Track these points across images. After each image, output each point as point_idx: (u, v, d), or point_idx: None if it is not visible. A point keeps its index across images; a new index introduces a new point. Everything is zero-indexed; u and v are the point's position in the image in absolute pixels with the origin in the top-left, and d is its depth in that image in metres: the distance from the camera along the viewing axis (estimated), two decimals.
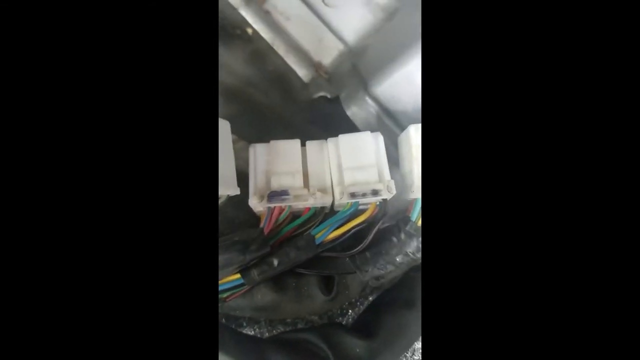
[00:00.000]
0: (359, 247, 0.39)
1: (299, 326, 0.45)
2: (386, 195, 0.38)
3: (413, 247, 0.38)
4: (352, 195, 0.38)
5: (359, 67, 0.45)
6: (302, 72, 0.49)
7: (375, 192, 0.38)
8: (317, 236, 0.39)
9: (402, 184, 0.40)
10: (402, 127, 0.43)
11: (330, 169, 0.40)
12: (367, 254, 0.39)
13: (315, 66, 0.50)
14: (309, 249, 0.38)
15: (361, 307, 0.42)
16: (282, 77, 0.49)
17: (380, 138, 0.40)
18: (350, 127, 0.45)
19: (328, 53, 0.50)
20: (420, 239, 0.38)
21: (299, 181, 0.39)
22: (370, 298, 0.42)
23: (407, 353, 0.43)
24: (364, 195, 0.38)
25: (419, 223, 0.38)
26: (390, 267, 0.39)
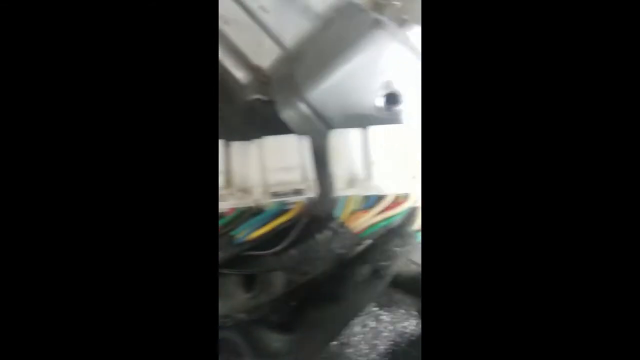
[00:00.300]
0: (282, 244, 0.40)
1: (227, 324, 0.45)
2: (309, 195, 0.39)
3: (337, 243, 0.40)
4: (275, 194, 0.39)
5: (295, 72, 0.47)
6: (240, 75, 0.50)
7: (297, 192, 0.39)
8: (238, 236, 0.40)
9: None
10: None
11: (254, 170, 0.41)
12: (292, 251, 0.40)
13: (254, 69, 0.51)
14: (227, 249, 0.39)
15: (287, 303, 0.43)
16: (220, 79, 0.50)
17: (306, 141, 0.41)
18: (283, 129, 0.46)
19: (267, 57, 0.51)
20: (344, 234, 0.40)
21: (221, 181, 0.40)
22: (297, 294, 0.43)
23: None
24: (285, 194, 0.39)
25: (341, 220, 0.40)
26: (316, 263, 0.41)
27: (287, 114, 0.46)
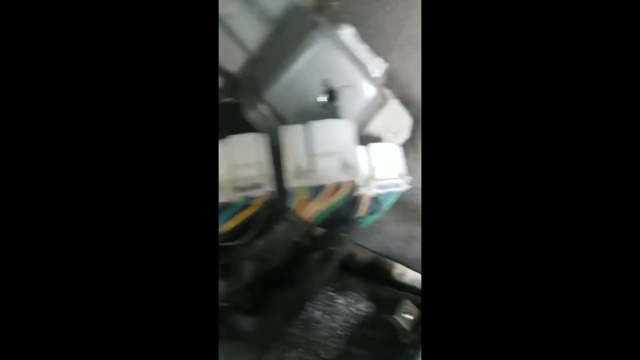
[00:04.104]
0: (250, 235, 0.44)
1: None
2: (267, 188, 0.43)
3: (294, 231, 0.44)
4: (239, 189, 0.43)
5: (255, 74, 0.51)
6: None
7: (256, 186, 0.43)
8: None
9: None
10: None
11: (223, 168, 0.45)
12: (258, 241, 0.45)
13: (224, 75, 0.55)
14: None
15: (255, 288, 0.47)
16: None
17: (262, 138, 0.45)
18: (250, 129, 0.50)
19: (235, 62, 0.54)
20: (297, 222, 0.44)
21: None
22: (263, 280, 0.47)
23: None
24: (246, 189, 0.43)
25: (294, 209, 0.44)
26: (278, 251, 0.45)
27: (251, 115, 0.50)
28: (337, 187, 0.44)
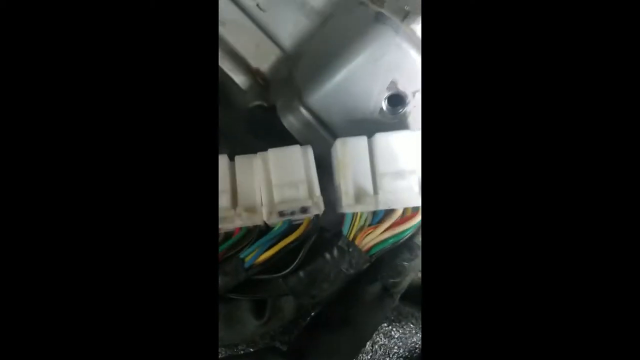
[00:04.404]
0: (291, 267, 0.37)
1: (240, 351, 0.43)
2: (316, 212, 0.36)
3: (346, 263, 0.37)
4: (281, 214, 0.36)
5: (294, 74, 0.43)
6: (240, 79, 0.47)
7: (304, 210, 0.36)
8: (247, 259, 0.37)
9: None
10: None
11: (260, 186, 0.38)
12: (301, 273, 0.38)
13: (253, 73, 0.48)
14: (238, 273, 0.36)
15: (298, 328, 0.40)
16: (219, 85, 0.47)
17: (310, 151, 0.38)
18: (287, 137, 0.43)
19: (265, 59, 0.47)
20: (353, 253, 0.37)
21: (225, 201, 0.37)
22: (307, 318, 0.40)
23: None
24: (292, 213, 0.36)
25: (351, 237, 0.37)
26: (324, 285, 0.38)
27: (288, 121, 0.42)
28: (407, 214, 0.36)
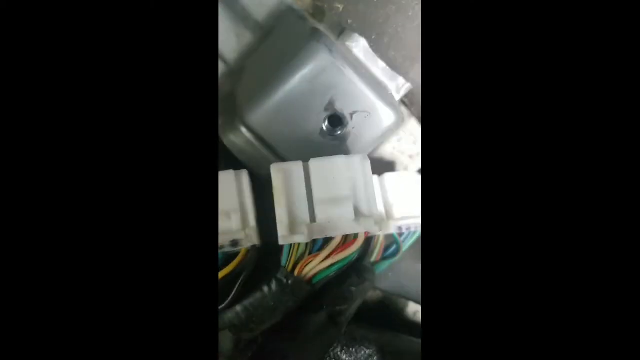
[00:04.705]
0: (226, 302, 0.35)
1: None
2: (248, 244, 0.34)
3: (286, 295, 0.35)
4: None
5: (235, 91, 0.41)
6: None
7: (234, 243, 0.34)
8: None
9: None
10: (281, 159, 0.38)
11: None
12: (238, 307, 0.35)
13: None
14: None
15: None
16: None
17: (244, 176, 0.36)
18: (228, 157, 0.41)
19: None
20: (292, 284, 0.34)
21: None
22: (249, 353, 0.38)
23: None
24: (221, 247, 0.34)
25: (290, 268, 0.35)
26: (264, 318, 0.35)
27: (229, 140, 0.40)
28: (347, 240, 0.34)
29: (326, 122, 0.37)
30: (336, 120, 0.37)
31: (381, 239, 0.40)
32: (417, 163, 0.45)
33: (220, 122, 0.42)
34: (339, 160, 0.33)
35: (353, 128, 0.36)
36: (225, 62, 0.43)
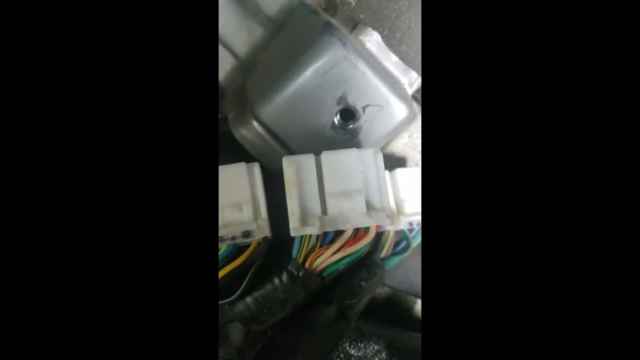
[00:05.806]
0: (236, 294, 0.35)
1: None
2: (260, 236, 0.34)
3: (296, 287, 0.34)
4: (220, 239, 0.34)
5: (246, 85, 0.41)
6: None
7: (246, 234, 0.34)
8: None
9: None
10: (293, 153, 0.38)
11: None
12: (248, 299, 0.35)
13: None
14: None
15: (249, 354, 0.38)
16: None
17: (256, 169, 0.36)
18: (239, 150, 0.41)
19: (220, 68, 0.45)
20: (303, 276, 0.34)
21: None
22: (259, 345, 0.38)
23: None
24: (233, 238, 0.34)
25: (301, 260, 0.34)
26: (274, 311, 0.35)
27: (240, 134, 0.40)
28: (358, 234, 0.34)
29: (338, 116, 0.37)
30: (348, 114, 0.36)
31: (392, 234, 0.40)
32: None
33: (231, 116, 0.42)
34: (351, 153, 0.33)
35: (365, 122, 0.36)
36: (236, 56, 0.43)
